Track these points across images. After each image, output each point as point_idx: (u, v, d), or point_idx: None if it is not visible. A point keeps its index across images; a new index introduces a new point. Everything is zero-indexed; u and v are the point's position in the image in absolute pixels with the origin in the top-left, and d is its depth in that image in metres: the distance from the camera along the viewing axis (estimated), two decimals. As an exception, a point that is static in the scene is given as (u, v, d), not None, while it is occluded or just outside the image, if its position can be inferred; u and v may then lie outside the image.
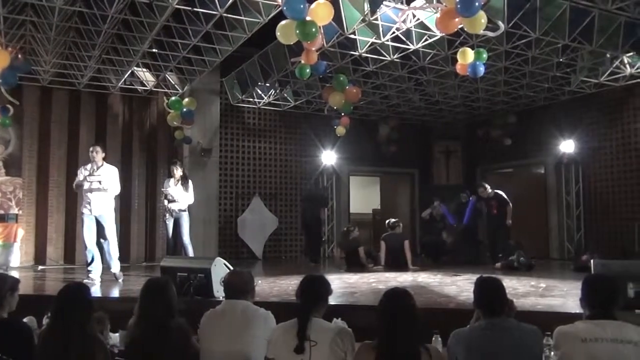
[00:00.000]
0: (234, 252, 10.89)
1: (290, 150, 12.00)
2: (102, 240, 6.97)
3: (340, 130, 10.19)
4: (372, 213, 13.79)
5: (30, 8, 7.33)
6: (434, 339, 3.30)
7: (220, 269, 5.21)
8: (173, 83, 10.42)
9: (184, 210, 7.75)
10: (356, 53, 8.24)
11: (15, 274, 7.23)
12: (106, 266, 7.09)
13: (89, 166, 7.03)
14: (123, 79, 9.85)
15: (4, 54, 7.08)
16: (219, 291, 5.02)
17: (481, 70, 6.80)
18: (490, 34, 5.92)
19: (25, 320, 3.48)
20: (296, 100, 11.37)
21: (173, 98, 9.92)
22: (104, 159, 7.11)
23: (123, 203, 9.54)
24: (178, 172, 7.88)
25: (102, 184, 6.86)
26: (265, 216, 11.42)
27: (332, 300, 3.26)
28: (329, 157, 11.81)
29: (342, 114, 9.71)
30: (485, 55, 6.87)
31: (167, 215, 7.77)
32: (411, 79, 9.90)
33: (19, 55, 7.33)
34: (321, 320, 2.87)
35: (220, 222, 11.01)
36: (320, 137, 11.80)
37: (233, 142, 11.47)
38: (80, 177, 7.02)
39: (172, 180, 7.91)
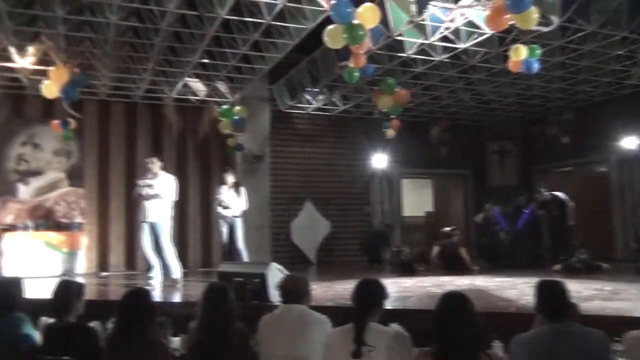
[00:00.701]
0: (288, 257, 10.86)
1: (340, 155, 11.96)
2: (160, 248, 7.10)
3: (390, 132, 10.12)
4: (425, 216, 13.60)
5: (88, 25, 7.59)
6: (494, 344, 3.20)
7: (275, 273, 5.26)
8: (224, 92, 10.52)
9: (238, 217, 7.86)
10: (404, 55, 8.16)
11: (80, 280, 7.41)
12: (166, 272, 7.22)
13: (146, 176, 7.28)
14: (176, 90, 10.03)
15: (64, 70, 7.37)
16: (274, 295, 5.04)
17: (535, 66, 6.62)
18: (543, 29, 5.74)
19: (91, 324, 3.62)
20: (345, 104, 11.35)
21: (224, 107, 10.01)
22: (164, 169, 7.35)
23: (180, 211, 9.57)
24: (230, 179, 7.99)
25: (154, 189, 7.03)
26: (318, 221, 11.46)
27: (387, 305, 3.10)
28: (379, 161, 11.69)
29: (392, 116, 9.63)
30: (538, 51, 6.67)
31: (222, 221, 7.90)
32: (461, 79, 9.73)
33: (77, 70, 7.55)
34: (378, 325, 2.83)
35: (273, 228, 11.05)
36: (370, 140, 11.65)
37: (284, 148, 11.52)
38: (138, 186, 7.30)
39: (224, 187, 7.98)
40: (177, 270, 7.22)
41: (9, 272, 8.10)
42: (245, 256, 7.73)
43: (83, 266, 9.39)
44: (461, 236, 10.09)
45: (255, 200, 9.64)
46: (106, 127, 10.31)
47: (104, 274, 9.61)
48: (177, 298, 6.28)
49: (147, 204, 7.07)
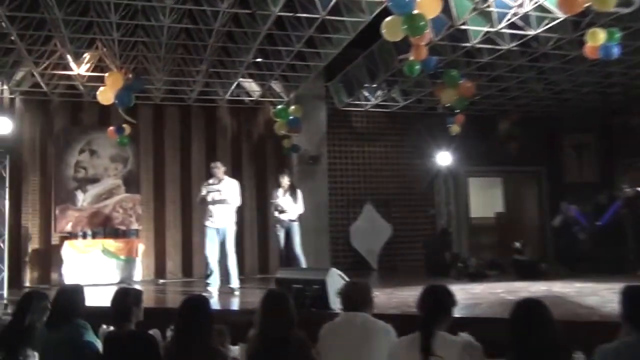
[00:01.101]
0: (347, 262, 10.90)
1: (402, 154, 11.90)
2: (223, 254, 7.34)
3: (455, 128, 9.97)
4: (495, 217, 13.25)
5: (142, 29, 7.83)
6: (575, 356, 3.09)
7: (335, 279, 5.30)
8: (278, 91, 10.63)
9: (295, 221, 7.92)
10: (468, 44, 8.03)
11: (137, 287, 7.60)
12: (225, 279, 7.44)
13: (211, 180, 7.64)
14: (230, 91, 10.24)
15: (118, 76, 7.66)
16: (335, 303, 5.07)
17: (615, 52, 6.44)
18: (623, 10, 5.48)
19: (150, 332, 3.78)
20: (406, 99, 11.25)
21: (279, 107, 10.13)
22: (225, 173, 7.72)
23: (236, 216, 9.83)
24: (286, 181, 8.03)
25: (222, 194, 7.36)
26: (379, 224, 11.40)
27: (456, 312, 3.07)
28: (444, 159, 11.43)
29: (456, 111, 9.48)
30: (618, 35, 6.45)
31: (278, 226, 7.98)
32: (532, 68, 9.49)
33: (130, 75, 7.84)
34: (446, 334, 2.79)
35: (332, 232, 11.09)
36: (433, 137, 11.35)
37: (341, 148, 11.53)
38: (203, 191, 7.60)
39: (280, 190, 8.05)
40: (236, 278, 7.47)
41: (70, 280, 8.40)
42: (303, 262, 7.78)
43: (140, 273, 9.63)
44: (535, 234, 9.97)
45: (312, 203, 9.66)
46: (161, 132, 10.62)
47: (162, 281, 9.85)
48: (235, 306, 6.44)
49: (214, 208, 7.33)
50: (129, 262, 9.46)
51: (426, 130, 11.59)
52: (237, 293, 7.26)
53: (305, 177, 10.58)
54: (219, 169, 7.47)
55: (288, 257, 7.98)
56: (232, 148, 10.90)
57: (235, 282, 7.39)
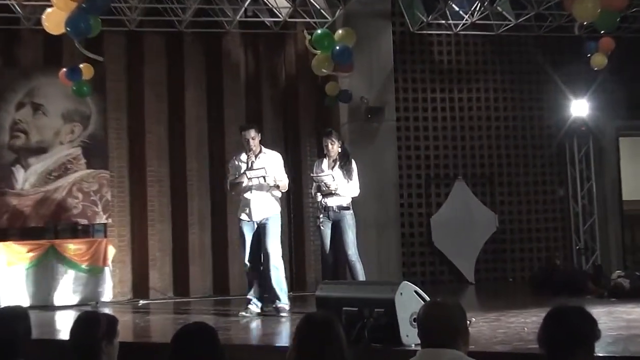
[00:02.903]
0: (429, 273, 10.96)
1: (511, 102, 11.76)
2: (265, 258, 7.62)
3: (599, 60, 9.76)
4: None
5: None
6: None
7: (409, 299, 5.24)
8: (319, 8, 10.57)
9: (347, 209, 7.79)
10: None
11: (108, 312, 7.71)
12: (268, 296, 7.70)
13: (243, 157, 7.81)
14: (243, 9, 10.18)
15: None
16: (409, 335, 5.05)
17: None
18: None
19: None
20: (518, 16, 11.10)
21: (319, 31, 9.56)
22: (261, 142, 7.96)
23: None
24: (335, 147, 7.83)
25: (268, 178, 7.64)
26: (476, 213, 11.34)
27: (599, 349, 3.16)
28: (579, 109, 11.18)
29: (601, 32, 9.12)
30: None
31: (322, 216, 7.84)
32: None
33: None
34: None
35: (404, 225, 10.99)
36: (563, 75, 11.25)
37: (417, 95, 11.35)
38: (234, 173, 7.88)
39: (324, 161, 7.98)
40: (284, 294, 7.70)
41: (5, 302, 8.39)
42: (359, 272, 7.67)
43: (111, 291, 9.66)
44: None
45: (374, 182, 9.62)
46: (138, 74, 10.64)
47: (143, 302, 9.92)
48: (254, 339, 6.49)
49: (250, 196, 7.69)
50: (95, 273, 9.46)
51: (551, 65, 11.44)
52: (284, 315, 7.46)
53: (361, 141, 10.40)
54: (255, 138, 7.68)
55: (336, 265, 7.99)
56: (247, 95, 10.98)
57: (283, 300, 7.59)
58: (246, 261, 7.77)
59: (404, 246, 10.98)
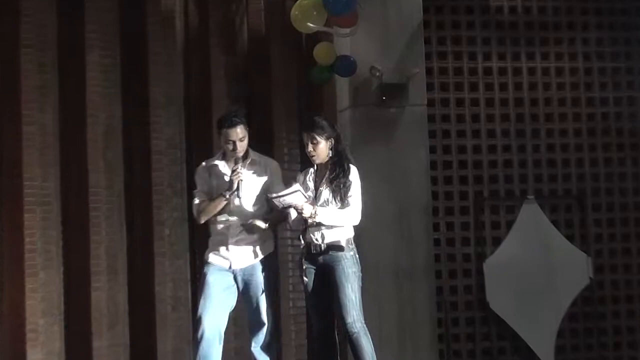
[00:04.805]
0: (481, 352, 10.30)
1: (613, 75, 11.14)
2: (255, 318, 7.59)
3: None
4: None
5: None
6: None
7: None
8: None
9: (345, 248, 7.43)
10: None
11: None
12: None
13: (221, 165, 7.64)
14: None
15: None
16: None
17: None
18: None
19: None
20: None
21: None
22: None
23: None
24: (321, 148, 7.51)
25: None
26: (557, 254, 10.58)
27: None
28: None
29: None
30: None
31: (305, 262, 7.60)
32: None
33: None
34: None
35: (440, 275, 10.27)
36: None
37: (461, 63, 10.66)
38: (205, 191, 7.73)
39: (308, 174, 7.67)
40: None
41: None
42: (366, 351, 7.31)
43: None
44: None
45: (391, 204, 9.49)
46: (9, 32, 9.93)
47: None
48: None
49: (229, 230, 7.63)
50: None
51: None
52: None
53: (371, 138, 9.96)
54: (243, 138, 7.53)
55: (329, 340, 7.59)
56: (186, 67, 10.39)
57: None
58: (206, 327, 7.44)
59: (440, 308, 10.16)
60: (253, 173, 7.58)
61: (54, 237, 10.07)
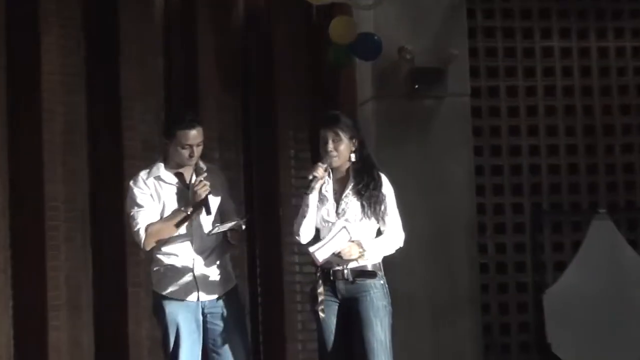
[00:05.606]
0: None
1: None
2: None
3: None
4: None
5: None
6: None
7: None
8: None
9: (374, 275, 7.32)
10: None
11: None
12: None
13: (167, 177, 7.58)
14: None
15: None
16: None
17: None
18: None
19: None
20: None
21: None
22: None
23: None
24: (343, 148, 7.35)
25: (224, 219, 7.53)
26: (637, 279, 10.36)
27: None
28: None
29: None
30: None
31: (322, 291, 7.37)
32: None
33: None
34: None
35: (488, 309, 9.84)
36: None
37: (514, 44, 10.38)
38: (148, 208, 7.63)
39: (327, 182, 7.49)
40: None
41: None
42: None
43: None
44: None
45: (426, 221, 9.18)
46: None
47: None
48: None
49: (195, 257, 7.66)
50: None
51: None
52: None
53: (400, 137, 9.76)
54: (200, 143, 7.56)
55: None
56: (167, 50, 10.20)
57: None
58: None
59: (489, 350, 9.93)
60: (213, 185, 7.75)
61: (1, 264, 10.05)
